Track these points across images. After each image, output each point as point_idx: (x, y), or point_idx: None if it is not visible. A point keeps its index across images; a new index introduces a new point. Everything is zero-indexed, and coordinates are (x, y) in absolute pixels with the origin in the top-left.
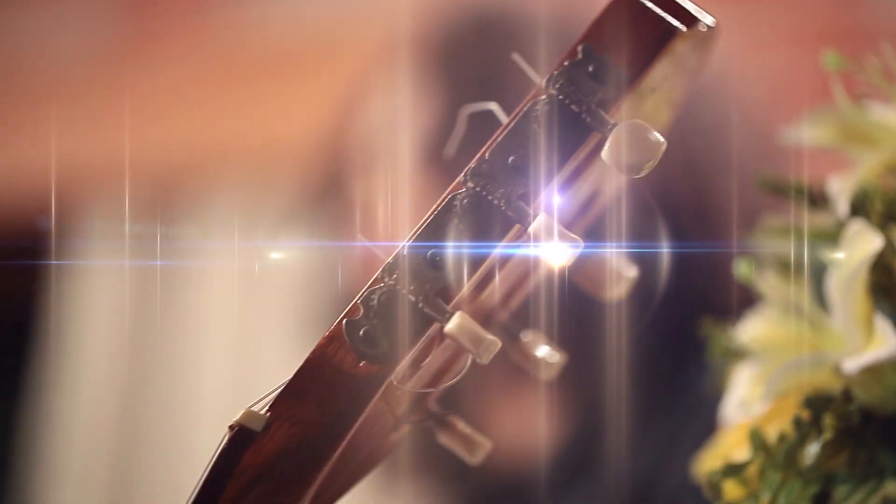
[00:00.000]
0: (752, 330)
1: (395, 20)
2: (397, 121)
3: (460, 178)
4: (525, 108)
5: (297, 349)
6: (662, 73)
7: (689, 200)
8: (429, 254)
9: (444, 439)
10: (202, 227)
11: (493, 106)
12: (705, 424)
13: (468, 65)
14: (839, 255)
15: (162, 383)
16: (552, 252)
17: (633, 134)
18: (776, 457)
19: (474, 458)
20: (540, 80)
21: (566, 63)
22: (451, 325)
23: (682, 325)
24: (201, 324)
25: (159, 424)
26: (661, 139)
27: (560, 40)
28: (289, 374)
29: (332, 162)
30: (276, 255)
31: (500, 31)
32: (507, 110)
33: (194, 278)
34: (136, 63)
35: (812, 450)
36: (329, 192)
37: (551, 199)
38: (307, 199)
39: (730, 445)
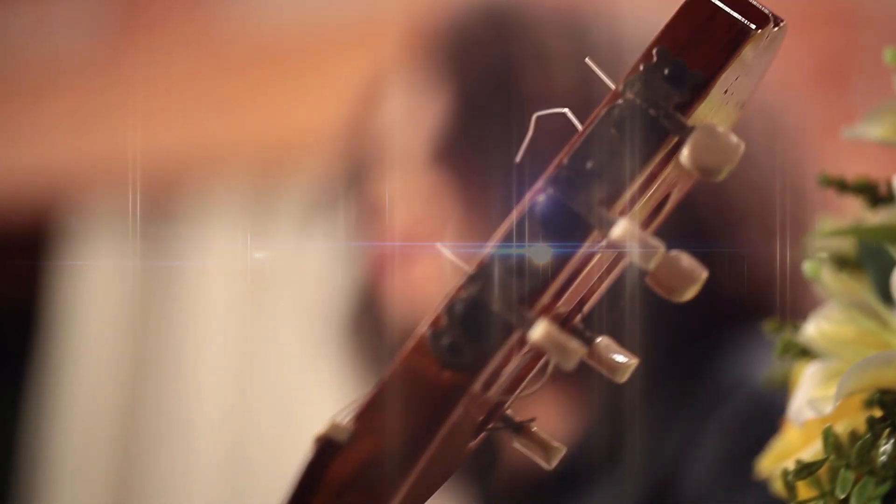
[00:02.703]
0: (817, 328)
1: (404, 15)
2: (408, 118)
3: (539, 184)
4: (602, 113)
5: (302, 349)
6: (734, 74)
7: (706, 193)
8: (511, 261)
9: (520, 445)
10: (204, 227)
11: (566, 110)
12: (728, 416)
13: (479, 60)
14: None
15: (163, 383)
16: (635, 256)
17: (712, 137)
18: (849, 456)
19: (550, 464)
20: (615, 85)
21: (642, 66)
22: (536, 333)
23: (708, 320)
24: (203, 322)
25: (160, 424)
26: (740, 142)
27: (570, 35)
28: (293, 376)
29: (348, 162)
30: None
31: (511, 26)
32: (522, 105)
33: (196, 278)
34: (133, 58)
35: (884, 448)
36: (346, 193)
37: (631, 204)
38: (324, 200)
39: (793, 444)
